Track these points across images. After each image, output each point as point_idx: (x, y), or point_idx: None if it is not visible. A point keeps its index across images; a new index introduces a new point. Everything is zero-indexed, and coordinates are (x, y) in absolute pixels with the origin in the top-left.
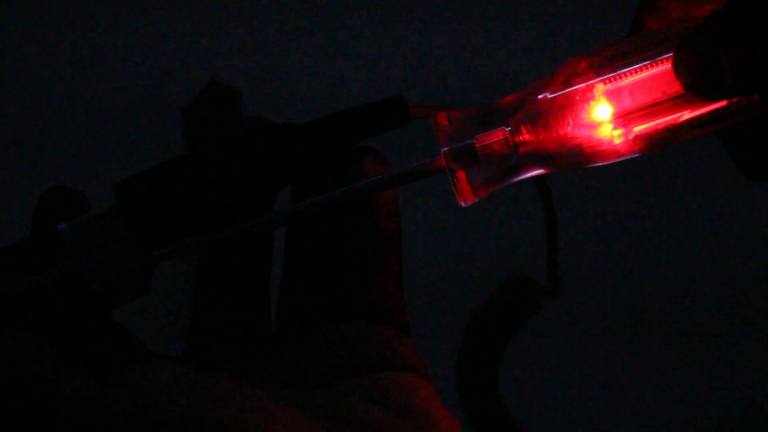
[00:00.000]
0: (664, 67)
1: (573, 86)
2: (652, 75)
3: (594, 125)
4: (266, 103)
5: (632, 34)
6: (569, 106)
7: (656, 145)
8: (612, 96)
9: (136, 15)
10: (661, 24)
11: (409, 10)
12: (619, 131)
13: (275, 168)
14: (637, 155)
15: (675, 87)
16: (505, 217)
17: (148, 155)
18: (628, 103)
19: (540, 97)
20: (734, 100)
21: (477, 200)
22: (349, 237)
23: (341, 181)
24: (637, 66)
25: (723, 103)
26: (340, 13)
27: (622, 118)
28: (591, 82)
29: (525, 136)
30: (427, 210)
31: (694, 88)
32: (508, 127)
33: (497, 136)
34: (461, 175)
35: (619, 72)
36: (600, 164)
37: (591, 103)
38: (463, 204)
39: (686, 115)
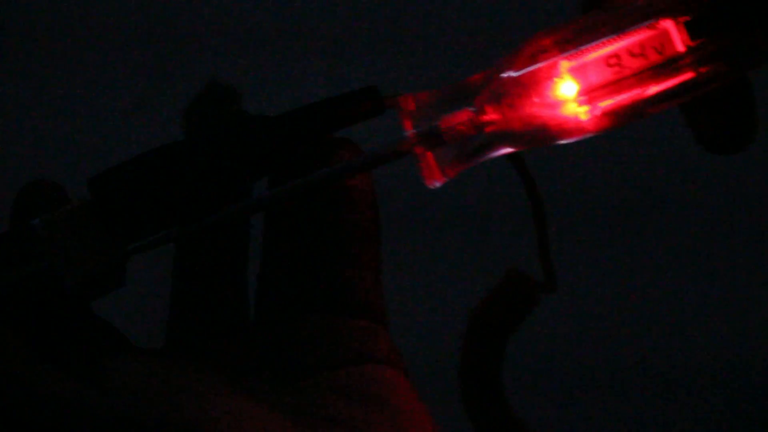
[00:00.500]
0: (628, 40)
1: (537, 64)
2: (617, 49)
3: (559, 103)
4: (266, 104)
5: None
6: (534, 85)
7: (623, 121)
8: (577, 72)
9: (136, 15)
10: None
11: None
12: (585, 108)
13: (249, 159)
14: (604, 131)
15: (640, 61)
16: (499, 211)
17: None
18: (594, 78)
19: (504, 75)
20: (702, 70)
21: (446, 180)
22: (325, 229)
23: (316, 171)
24: (601, 41)
25: (691, 74)
26: (340, 12)
27: (588, 95)
28: (555, 59)
29: (490, 116)
30: (418, 203)
31: None
32: (473, 107)
33: (462, 117)
34: (429, 156)
35: (583, 47)
36: (568, 141)
37: (556, 80)
38: (431, 185)
39: (653, 88)
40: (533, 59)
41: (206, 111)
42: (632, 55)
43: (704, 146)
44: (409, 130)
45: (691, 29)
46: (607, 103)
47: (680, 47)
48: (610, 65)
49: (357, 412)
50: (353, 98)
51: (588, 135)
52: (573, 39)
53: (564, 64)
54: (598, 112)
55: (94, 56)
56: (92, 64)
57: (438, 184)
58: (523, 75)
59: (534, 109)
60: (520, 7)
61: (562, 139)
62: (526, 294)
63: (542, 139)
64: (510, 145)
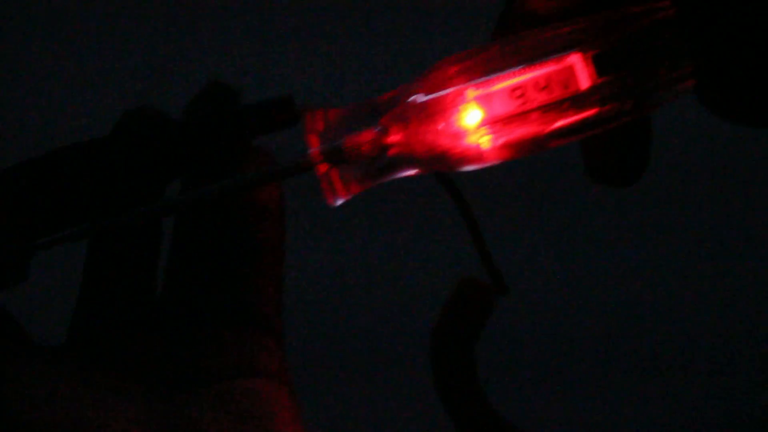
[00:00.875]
0: (535, 73)
1: (443, 90)
2: (523, 81)
3: (462, 131)
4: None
5: (501, 27)
6: (439, 111)
7: (524, 153)
8: (482, 101)
9: (136, 15)
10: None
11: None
12: (488, 137)
13: (160, 161)
14: (505, 161)
15: (544, 95)
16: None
17: None
18: (498, 109)
19: (410, 99)
20: (606, 107)
21: (349, 197)
22: (228, 239)
23: (227, 177)
24: (508, 71)
25: (594, 111)
26: (340, 12)
27: (491, 125)
28: (461, 86)
29: (394, 138)
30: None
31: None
32: (378, 127)
33: (367, 136)
34: (333, 173)
35: (490, 77)
36: (470, 168)
37: (460, 108)
38: (333, 202)
39: (556, 123)
40: (440, 85)
41: (206, 111)
42: (538, 88)
43: (592, 178)
44: (314, 147)
45: (599, 65)
46: (508, 135)
47: (586, 83)
48: (515, 97)
49: (225, 427)
50: (267, 108)
51: (488, 164)
52: (481, 67)
53: (470, 93)
54: (499, 143)
55: (95, 56)
56: (93, 63)
57: (340, 201)
58: (428, 100)
59: (437, 135)
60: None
61: (462, 166)
62: (481, 300)
63: (444, 165)
64: (413, 168)
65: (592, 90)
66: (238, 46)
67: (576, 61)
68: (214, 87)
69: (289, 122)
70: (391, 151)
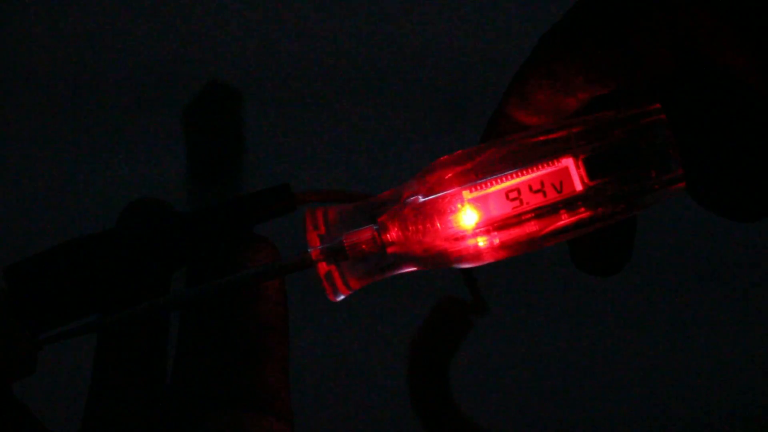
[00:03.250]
0: (529, 175)
1: (440, 192)
2: (518, 183)
3: (459, 232)
4: (266, 104)
5: (496, 123)
6: (435, 212)
7: (520, 252)
8: (478, 203)
9: (136, 15)
10: (527, 115)
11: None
12: (484, 238)
13: (166, 253)
14: (502, 260)
15: (539, 197)
16: None
17: (147, 154)
18: (494, 211)
19: (407, 200)
20: (598, 210)
21: (350, 293)
22: (234, 327)
23: (231, 267)
24: (503, 174)
25: (588, 214)
26: (341, 13)
27: (487, 226)
28: (457, 188)
29: (392, 237)
30: None
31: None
32: (377, 226)
33: (366, 235)
34: (333, 270)
35: (486, 179)
36: (469, 266)
37: (457, 209)
38: (334, 299)
39: (550, 225)
40: (437, 187)
41: (206, 111)
42: (532, 190)
43: (578, 267)
44: (314, 246)
45: (590, 167)
46: (505, 236)
47: (579, 186)
48: (510, 199)
49: None
50: (266, 196)
51: (485, 263)
52: (476, 170)
53: (466, 194)
54: (496, 243)
55: (95, 56)
56: (93, 64)
57: (340, 298)
58: (426, 201)
59: (435, 235)
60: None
61: (460, 264)
62: (459, 318)
63: (442, 263)
64: (412, 266)
65: (586, 193)
66: (237, 47)
67: (568, 164)
68: (214, 87)
69: (287, 209)
70: (390, 249)
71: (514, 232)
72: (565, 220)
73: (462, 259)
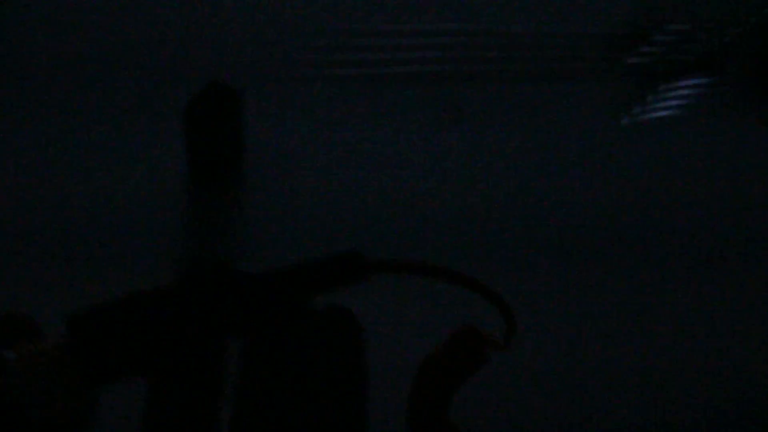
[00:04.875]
0: None
1: None
2: None
3: None
4: (266, 103)
5: None
6: None
7: None
8: None
9: (136, 15)
10: None
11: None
12: None
13: (223, 318)
14: None
15: None
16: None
17: (147, 154)
18: None
19: None
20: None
21: None
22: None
23: (302, 343)
24: None
25: None
26: (341, 12)
27: None
28: None
29: None
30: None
31: None
32: None
33: None
34: None
35: None
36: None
37: None
38: None
39: None
40: None
41: (206, 111)
42: None
43: None
44: None
45: None
46: None
47: None
48: None
49: None
50: (335, 263)
51: None
52: None
53: None
54: None
55: (95, 56)
56: (93, 64)
57: None
58: None
59: None
60: None
61: None
62: (476, 350)
63: None
64: None
65: None
66: (237, 47)
67: None
68: (214, 87)
69: (358, 277)
70: None
71: None
72: None
73: None
